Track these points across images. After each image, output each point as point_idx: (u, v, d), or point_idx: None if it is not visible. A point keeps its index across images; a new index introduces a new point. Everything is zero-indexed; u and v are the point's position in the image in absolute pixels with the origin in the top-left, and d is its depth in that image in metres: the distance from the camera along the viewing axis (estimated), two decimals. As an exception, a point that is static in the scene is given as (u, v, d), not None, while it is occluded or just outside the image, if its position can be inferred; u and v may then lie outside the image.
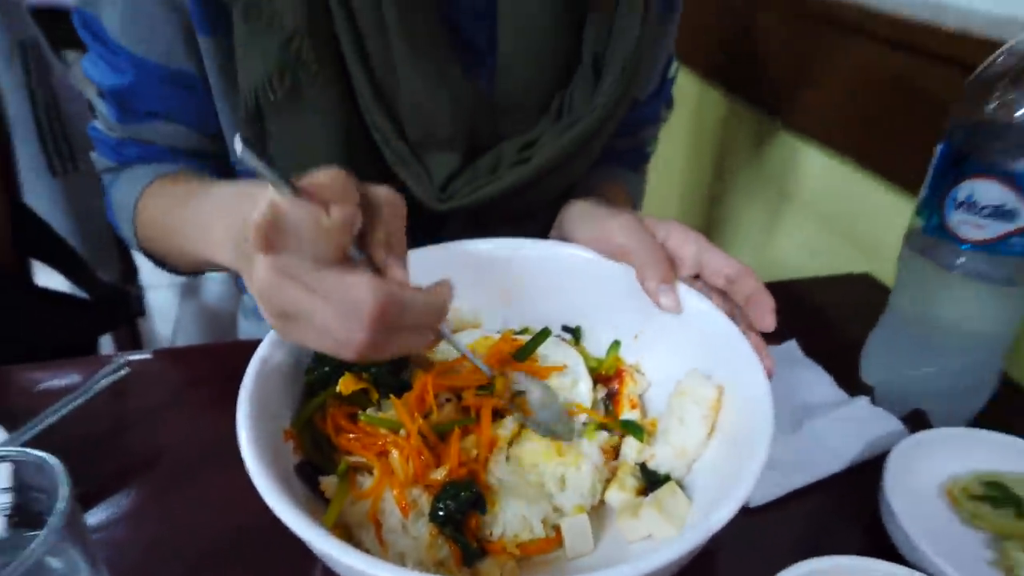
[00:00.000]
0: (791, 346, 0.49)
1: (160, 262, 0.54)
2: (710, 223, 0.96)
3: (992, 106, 0.36)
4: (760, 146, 0.82)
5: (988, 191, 0.36)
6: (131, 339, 0.93)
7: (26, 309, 0.60)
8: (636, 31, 0.50)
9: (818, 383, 0.46)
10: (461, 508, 0.30)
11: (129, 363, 0.43)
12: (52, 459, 0.26)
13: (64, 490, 0.25)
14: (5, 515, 0.29)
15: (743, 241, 0.90)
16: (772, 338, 0.43)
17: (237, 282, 0.70)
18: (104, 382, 0.41)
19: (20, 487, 0.28)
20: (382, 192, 0.32)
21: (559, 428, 0.35)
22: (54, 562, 0.26)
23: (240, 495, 0.27)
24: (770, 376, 0.33)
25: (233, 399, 0.29)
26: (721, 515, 0.26)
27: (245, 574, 0.32)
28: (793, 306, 0.47)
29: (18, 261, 0.63)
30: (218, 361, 0.45)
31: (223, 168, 0.55)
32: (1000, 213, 0.36)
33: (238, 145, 0.26)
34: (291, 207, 0.28)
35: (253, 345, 0.33)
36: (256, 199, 0.29)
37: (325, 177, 0.29)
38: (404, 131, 0.48)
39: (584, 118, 0.50)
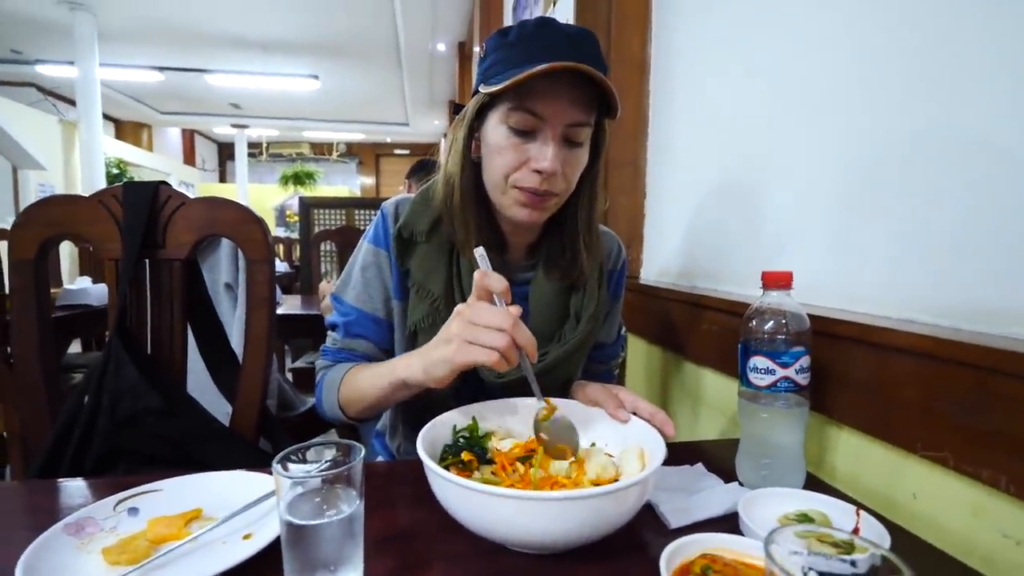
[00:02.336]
0: (699, 466, 0.66)
1: (345, 412, 0.74)
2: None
3: (753, 325, 0.61)
4: (680, 372, 1.07)
5: (760, 362, 0.59)
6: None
7: (253, 457, 0.84)
8: (596, 302, 0.77)
9: (712, 479, 0.63)
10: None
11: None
12: (357, 444, 0.45)
13: (361, 454, 0.44)
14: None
15: (676, 423, 1.08)
16: (690, 462, 0.65)
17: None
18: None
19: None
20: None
21: (568, 441, 0.57)
22: (343, 491, 0.45)
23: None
24: (669, 437, 0.56)
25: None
26: (645, 473, 0.46)
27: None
28: (705, 451, 0.69)
29: (256, 437, 0.89)
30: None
31: None
32: (768, 371, 0.59)
33: (479, 250, 0.56)
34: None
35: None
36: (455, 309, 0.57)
37: (497, 276, 0.56)
38: None
39: (571, 341, 0.75)
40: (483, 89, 0.67)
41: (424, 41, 6.51)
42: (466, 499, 0.46)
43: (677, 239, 1.20)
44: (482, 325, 0.54)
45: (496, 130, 0.68)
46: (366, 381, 0.70)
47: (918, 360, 0.54)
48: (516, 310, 0.55)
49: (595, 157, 0.73)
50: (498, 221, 0.75)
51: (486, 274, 0.56)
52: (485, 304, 0.56)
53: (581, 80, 0.63)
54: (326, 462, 0.47)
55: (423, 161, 2.58)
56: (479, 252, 0.58)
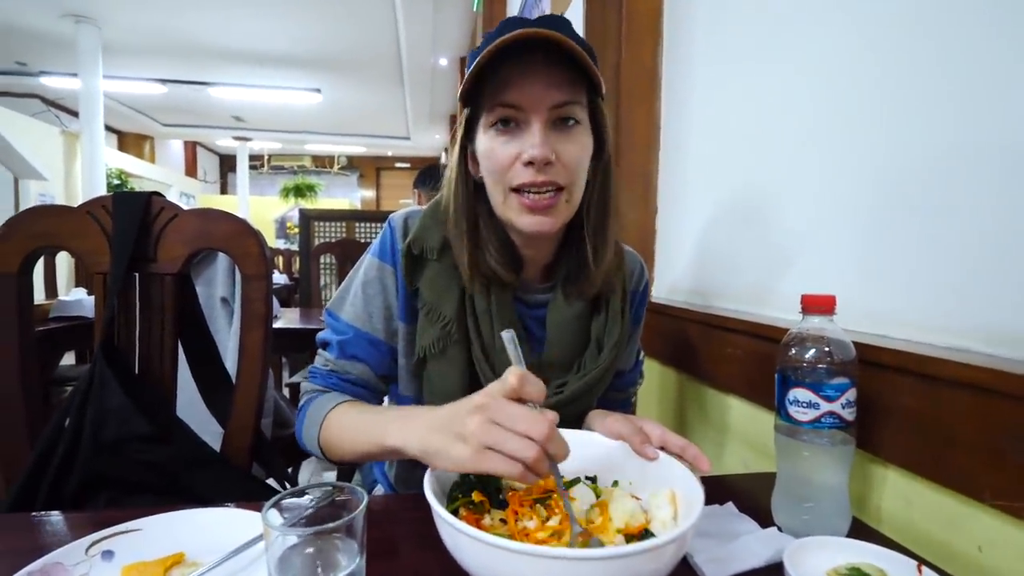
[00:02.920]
0: (729, 505, 0.60)
1: (327, 456, 0.67)
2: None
3: (792, 354, 0.56)
4: (699, 398, 1.02)
5: (802, 394, 0.54)
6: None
7: (245, 485, 0.79)
8: (619, 328, 0.72)
9: (747, 522, 0.57)
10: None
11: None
12: (360, 489, 0.42)
13: (364, 501, 0.40)
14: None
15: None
16: (718, 501, 0.60)
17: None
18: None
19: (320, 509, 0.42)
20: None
21: None
22: (342, 543, 0.41)
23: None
24: (705, 472, 0.52)
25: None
26: (686, 526, 0.40)
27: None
28: (733, 487, 0.65)
29: (249, 462, 0.83)
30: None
31: (379, 400, 0.75)
32: (811, 405, 0.53)
33: (507, 334, 0.47)
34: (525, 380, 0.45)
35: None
36: (473, 399, 0.46)
37: (536, 381, 0.46)
38: (495, 371, 0.67)
39: (592, 372, 0.70)
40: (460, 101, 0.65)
41: (426, 56, 6.53)
42: (481, 553, 0.40)
43: (689, 255, 1.16)
44: (509, 430, 0.44)
45: (484, 137, 0.64)
46: (350, 432, 0.63)
47: (977, 395, 0.49)
48: (553, 416, 0.45)
49: (599, 144, 0.67)
50: (511, 238, 0.70)
51: (525, 379, 0.45)
52: (513, 403, 0.45)
53: (554, 60, 0.60)
54: (323, 506, 0.42)
55: (430, 168, 2.53)
56: (508, 336, 0.48)
